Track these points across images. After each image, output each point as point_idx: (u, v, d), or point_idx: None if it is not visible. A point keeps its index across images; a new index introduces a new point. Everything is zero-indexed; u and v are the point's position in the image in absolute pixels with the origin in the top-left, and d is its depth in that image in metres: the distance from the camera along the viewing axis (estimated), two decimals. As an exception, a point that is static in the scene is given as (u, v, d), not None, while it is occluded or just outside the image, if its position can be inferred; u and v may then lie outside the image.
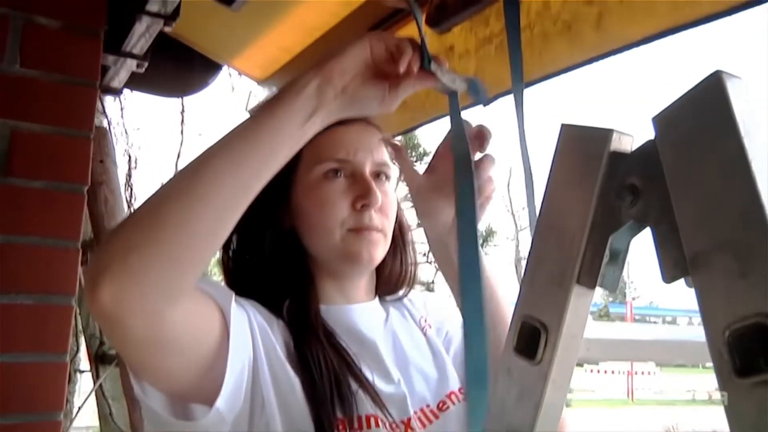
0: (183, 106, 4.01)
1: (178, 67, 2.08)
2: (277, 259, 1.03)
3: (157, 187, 0.75)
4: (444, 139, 0.99)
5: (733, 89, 0.54)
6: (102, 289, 0.68)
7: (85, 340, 2.16)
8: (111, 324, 0.73)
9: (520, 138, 0.97)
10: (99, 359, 2.08)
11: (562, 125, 0.70)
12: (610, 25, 0.96)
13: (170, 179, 0.76)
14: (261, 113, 0.77)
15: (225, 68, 2.26)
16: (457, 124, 0.88)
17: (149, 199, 0.74)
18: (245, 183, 0.74)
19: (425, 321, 1.14)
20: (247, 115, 2.25)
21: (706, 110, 0.55)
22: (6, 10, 1.35)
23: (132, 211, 0.78)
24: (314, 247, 1.03)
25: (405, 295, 1.16)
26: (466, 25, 1.24)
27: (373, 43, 0.80)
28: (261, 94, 2.20)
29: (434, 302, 1.20)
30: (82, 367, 2.56)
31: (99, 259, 0.72)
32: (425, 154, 4.97)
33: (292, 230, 1.04)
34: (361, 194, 1.00)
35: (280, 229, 1.03)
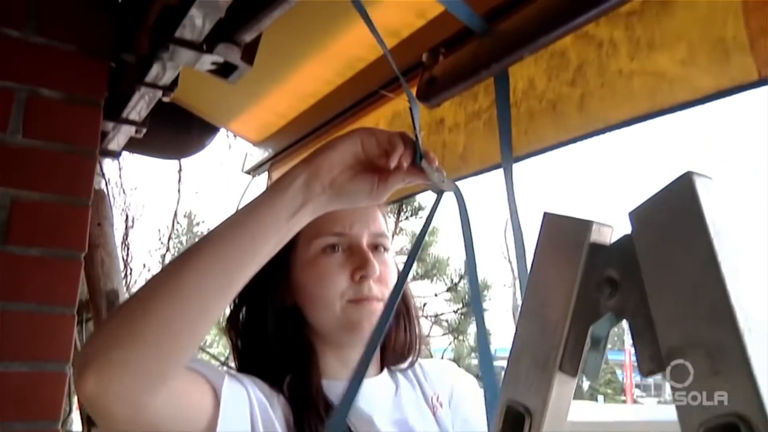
0: (180, 165, 4.07)
1: (176, 130, 2.12)
2: (280, 334, 1.04)
3: (150, 262, 0.77)
4: None
5: (703, 190, 0.57)
6: (87, 380, 0.70)
7: (78, 401, 2.15)
8: (98, 412, 0.74)
9: (510, 213, 1.00)
10: (91, 421, 2.07)
11: (545, 214, 0.72)
12: (593, 107, 0.99)
13: (156, 275, 0.77)
14: (248, 208, 0.79)
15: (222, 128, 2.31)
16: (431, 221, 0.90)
17: (135, 294, 0.76)
18: (229, 278, 0.75)
19: (437, 399, 1.13)
20: (244, 176, 2.28)
21: (678, 210, 0.57)
22: (12, 84, 1.39)
23: (122, 302, 0.80)
24: (316, 320, 1.04)
25: (413, 364, 1.16)
26: (455, 100, 1.28)
27: (364, 139, 0.81)
28: (257, 154, 2.25)
29: (443, 371, 1.20)
30: (74, 429, 2.54)
31: (86, 350, 0.74)
32: (420, 208, 5.01)
33: (294, 306, 1.06)
34: (359, 266, 1.02)
35: (283, 305, 1.05)
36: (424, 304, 5.22)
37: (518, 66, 1.09)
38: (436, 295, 5.38)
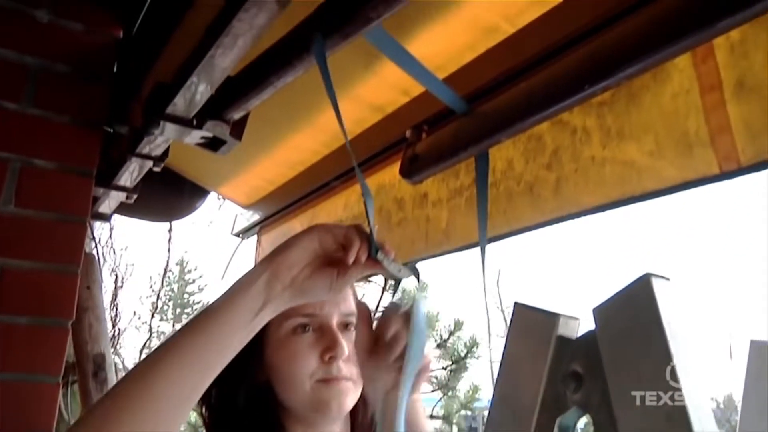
0: (171, 225, 4.10)
1: (167, 194, 2.15)
2: (251, 411, 1.05)
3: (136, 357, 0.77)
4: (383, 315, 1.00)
5: (660, 293, 0.60)
6: None
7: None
8: None
9: (484, 295, 1.03)
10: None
11: (516, 304, 0.75)
12: (567, 191, 1.03)
13: (122, 382, 0.77)
14: (208, 311, 0.79)
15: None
16: (394, 308, 0.92)
17: (100, 402, 0.76)
18: (194, 384, 0.77)
19: None
20: (234, 239, 2.29)
21: (638, 311, 0.60)
22: (6, 154, 1.43)
23: (91, 407, 0.79)
24: (287, 398, 1.06)
25: None
26: (438, 175, 1.32)
27: (321, 236, 0.83)
28: (247, 216, 2.28)
29: None
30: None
31: None
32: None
33: (267, 383, 1.07)
34: (329, 346, 1.04)
35: (256, 383, 1.06)
36: (414, 361, 5.18)
37: (497, 147, 1.13)
38: (425, 351, 5.36)
